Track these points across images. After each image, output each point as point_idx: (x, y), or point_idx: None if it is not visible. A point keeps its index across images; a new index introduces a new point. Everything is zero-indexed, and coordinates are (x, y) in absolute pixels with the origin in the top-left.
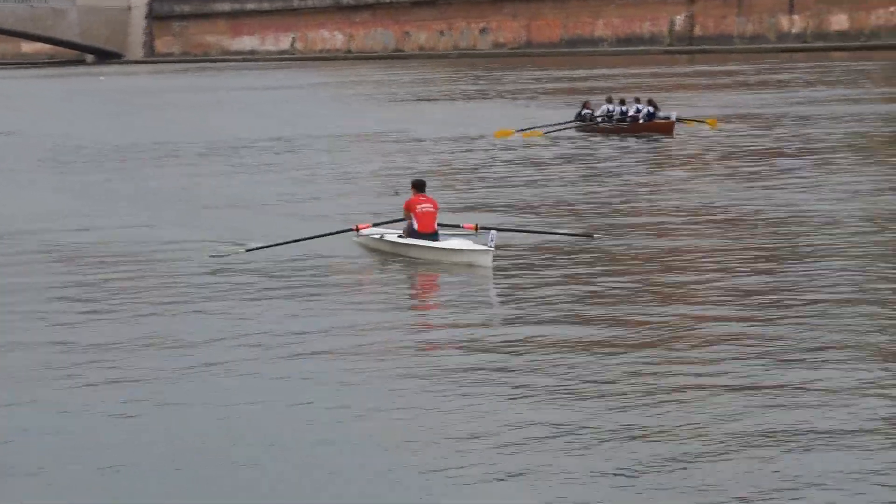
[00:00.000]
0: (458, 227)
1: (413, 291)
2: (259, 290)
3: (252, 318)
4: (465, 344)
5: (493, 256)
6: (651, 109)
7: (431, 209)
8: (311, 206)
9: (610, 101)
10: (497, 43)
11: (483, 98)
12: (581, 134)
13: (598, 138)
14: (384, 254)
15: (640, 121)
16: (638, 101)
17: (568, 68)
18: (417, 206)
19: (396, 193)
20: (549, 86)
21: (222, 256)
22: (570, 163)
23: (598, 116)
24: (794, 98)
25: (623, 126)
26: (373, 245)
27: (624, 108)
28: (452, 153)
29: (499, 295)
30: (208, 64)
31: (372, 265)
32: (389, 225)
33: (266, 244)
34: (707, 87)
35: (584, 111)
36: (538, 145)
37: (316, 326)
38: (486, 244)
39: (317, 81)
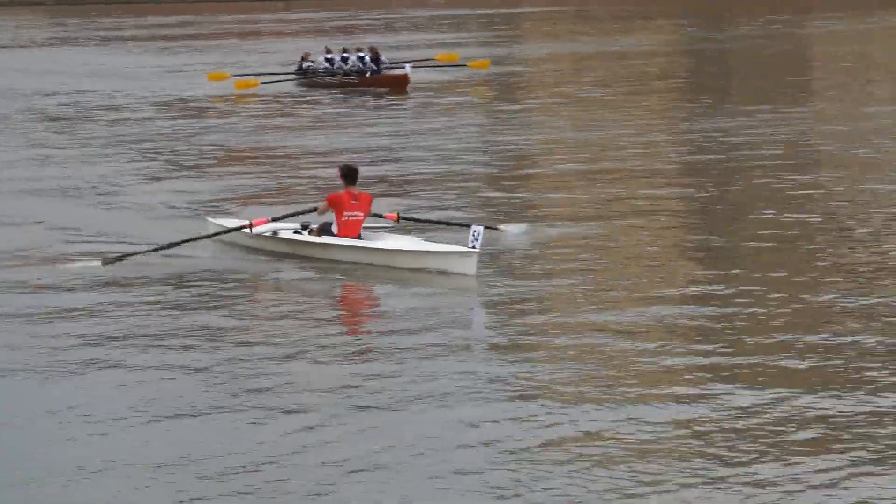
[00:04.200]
0: (379, 216)
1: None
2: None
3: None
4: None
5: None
6: (371, 58)
7: (360, 217)
8: None
9: (329, 51)
10: None
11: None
12: (303, 89)
13: (322, 93)
14: (281, 256)
15: (368, 73)
16: (359, 50)
17: (160, 15)
18: (345, 214)
19: None
20: (143, 32)
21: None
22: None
23: (321, 68)
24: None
25: (350, 80)
26: (270, 246)
27: (347, 55)
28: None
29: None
30: None
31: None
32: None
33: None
34: (298, 32)
35: (304, 63)
36: (252, 101)
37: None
38: (468, 244)
39: None
